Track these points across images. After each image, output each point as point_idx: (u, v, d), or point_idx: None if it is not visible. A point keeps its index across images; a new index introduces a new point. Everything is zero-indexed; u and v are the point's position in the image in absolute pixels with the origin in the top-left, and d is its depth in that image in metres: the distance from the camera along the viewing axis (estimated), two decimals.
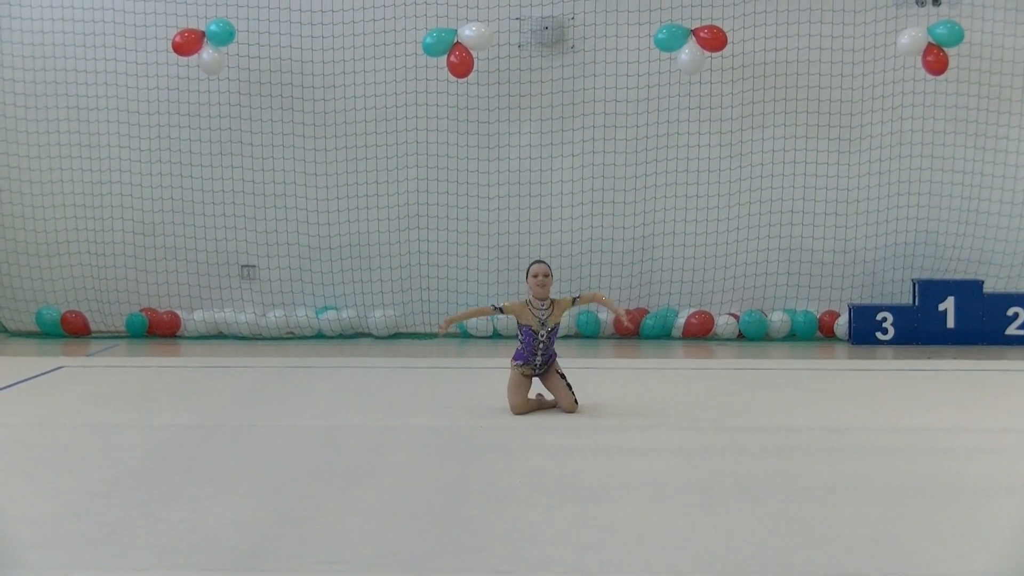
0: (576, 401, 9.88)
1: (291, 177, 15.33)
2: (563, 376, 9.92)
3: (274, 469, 8.00)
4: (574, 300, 9.95)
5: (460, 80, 14.81)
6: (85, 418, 9.89)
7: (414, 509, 7.00)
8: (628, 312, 14.91)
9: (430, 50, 14.58)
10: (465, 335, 15.10)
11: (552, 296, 9.89)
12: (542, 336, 9.73)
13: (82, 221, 15.36)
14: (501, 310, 9.88)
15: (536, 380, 10.04)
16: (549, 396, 10.08)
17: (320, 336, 15.21)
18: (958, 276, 14.94)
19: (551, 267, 9.92)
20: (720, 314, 15.09)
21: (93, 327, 15.33)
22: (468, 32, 14.47)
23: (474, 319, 10.06)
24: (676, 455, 8.41)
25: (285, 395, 11.00)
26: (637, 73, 15.07)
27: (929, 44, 14.46)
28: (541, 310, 9.74)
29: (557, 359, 9.98)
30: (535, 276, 9.71)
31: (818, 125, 15.11)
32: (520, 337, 9.86)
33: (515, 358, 9.89)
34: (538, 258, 10.24)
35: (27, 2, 15.16)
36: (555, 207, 15.09)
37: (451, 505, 7.11)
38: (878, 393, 11.20)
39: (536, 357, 9.80)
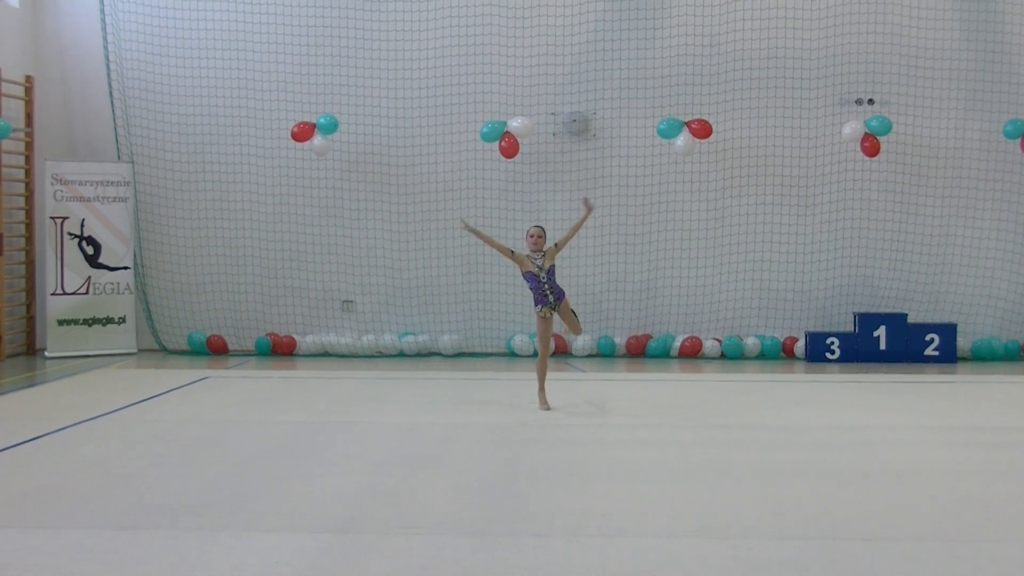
0: (581, 329, 10.44)
1: (379, 233, 15.41)
2: (574, 312, 10.13)
3: (367, 455, 8.04)
4: (556, 245, 10.00)
5: (509, 160, 14.89)
6: (225, 415, 9.98)
7: (474, 487, 7.02)
8: (635, 337, 14.91)
9: (486, 137, 14.67)
10: (512, 354, 15.11)
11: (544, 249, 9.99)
12: (543, 278, 9.85)
13: (222, 267, 15.48)
14: (513, 252, 9.98)
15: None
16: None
17: (402, 355, 15.25)
18: (888, 310, 14.85)
19: (544, 230, 10.06)
20: (707, 339, 15.04)
21: (231, 347, 15.43)
22: (515, 123, 14.56)
23: (492, 244, 10.08)
24: (672, 446, 8.40)
25: (375, 399, 11.05)
26: (643, 155, 15.10)
27: (866, 133, 14.45)
28: (536, 259, 9.86)
29: (566, 297, 10.05)
30: (530, 236, 9.91)
31: (781, 195, 15.08)
32: (529, 285, 9.98)
33: (535, 304, 9.99)
34: (535, 223, 10.23)
35: (184, 103, 15.34)
36: (581, 256, 15.11)
37: (503, 484, 7.12)
38: (827, 399, 11.16)
39: (548, 296, 9.88)
